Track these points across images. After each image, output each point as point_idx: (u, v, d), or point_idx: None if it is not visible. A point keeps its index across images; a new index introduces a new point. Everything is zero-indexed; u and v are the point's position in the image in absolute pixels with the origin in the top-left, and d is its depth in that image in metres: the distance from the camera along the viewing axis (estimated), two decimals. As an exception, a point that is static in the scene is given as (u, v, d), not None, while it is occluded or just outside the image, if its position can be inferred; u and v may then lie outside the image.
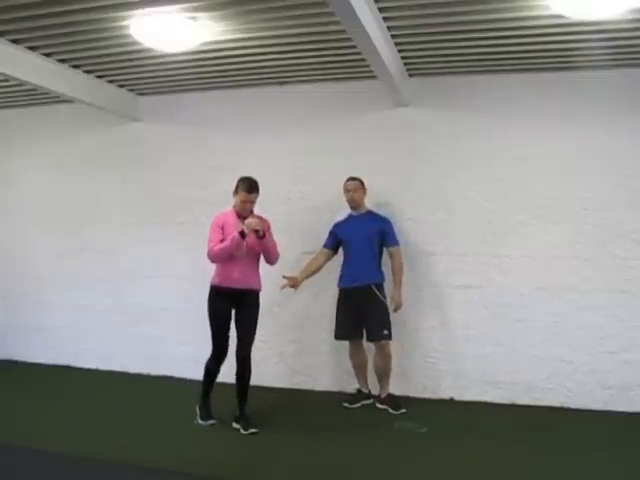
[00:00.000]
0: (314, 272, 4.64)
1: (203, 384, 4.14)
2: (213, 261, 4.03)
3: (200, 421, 4.09)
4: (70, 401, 4.66)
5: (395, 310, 4.48)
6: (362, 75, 4.76)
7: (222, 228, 4.01)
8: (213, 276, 4.10)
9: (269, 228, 4.11)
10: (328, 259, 4.67)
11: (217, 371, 4.11)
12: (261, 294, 4.17)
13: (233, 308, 4.07)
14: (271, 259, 4.16)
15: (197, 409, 4.14)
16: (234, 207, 4.10)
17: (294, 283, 4.53)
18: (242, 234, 3.88)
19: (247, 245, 3.99)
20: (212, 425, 4.06)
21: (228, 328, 4.08)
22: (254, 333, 4.07)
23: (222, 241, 3.95)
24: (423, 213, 4.82)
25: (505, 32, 3.89)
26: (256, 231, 3.91)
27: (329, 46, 4.23)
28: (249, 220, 3.93)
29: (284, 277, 4.46)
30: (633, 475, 3.30)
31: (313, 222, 5.01)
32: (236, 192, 4.06)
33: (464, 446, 3.74)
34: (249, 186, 4.02)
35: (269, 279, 4.24)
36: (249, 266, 4.07)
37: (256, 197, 4.06)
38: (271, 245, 4.11)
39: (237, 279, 4.01)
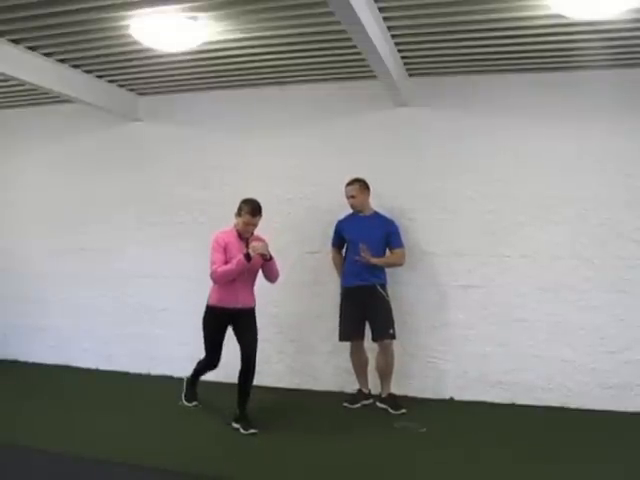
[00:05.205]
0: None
1: (193, 373, 4.46)
2: (216, 282, 4.03)
3: (185, 402, 4.48)
4: (70, 401, 4.66)
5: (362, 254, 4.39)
6: (362, 75, 4.75)
7: (224, 249, 4.00)
8: (210, 296, 4.13)
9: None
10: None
11: (206, 373, 4.40)
12: (262, 294, 4.21)
13: (229, 325, 4.12)
14: (273, 278, 4.18)
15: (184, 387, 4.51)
16: (235, 227, 4.10)
17: None
18: (248, 257, 3.89)
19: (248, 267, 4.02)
20: (195, 406, 4.45)
21: (221, 343, 4.15)
22: (256, 342, 4.09)
23: (226, 262, 3.95)
24: (423, 213, 4.82)
25: (505, 32, 3.89)
26: (262, 255, 3.94)
27: (329, 46, 4.23)
28: (255, 244, 3.93)
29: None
30: (633, 475, 3.30)
31: (313, 222, 5.01)
32: (239, 214, 4.05)
33: (464, 446, 3.75)
34: (253, 209, 4.02)
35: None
36: (247, 286, 4.12)
37: (259, 220, 4.07)
38: (274, 266, 4.13)
39: (235, 300, 4.05)
